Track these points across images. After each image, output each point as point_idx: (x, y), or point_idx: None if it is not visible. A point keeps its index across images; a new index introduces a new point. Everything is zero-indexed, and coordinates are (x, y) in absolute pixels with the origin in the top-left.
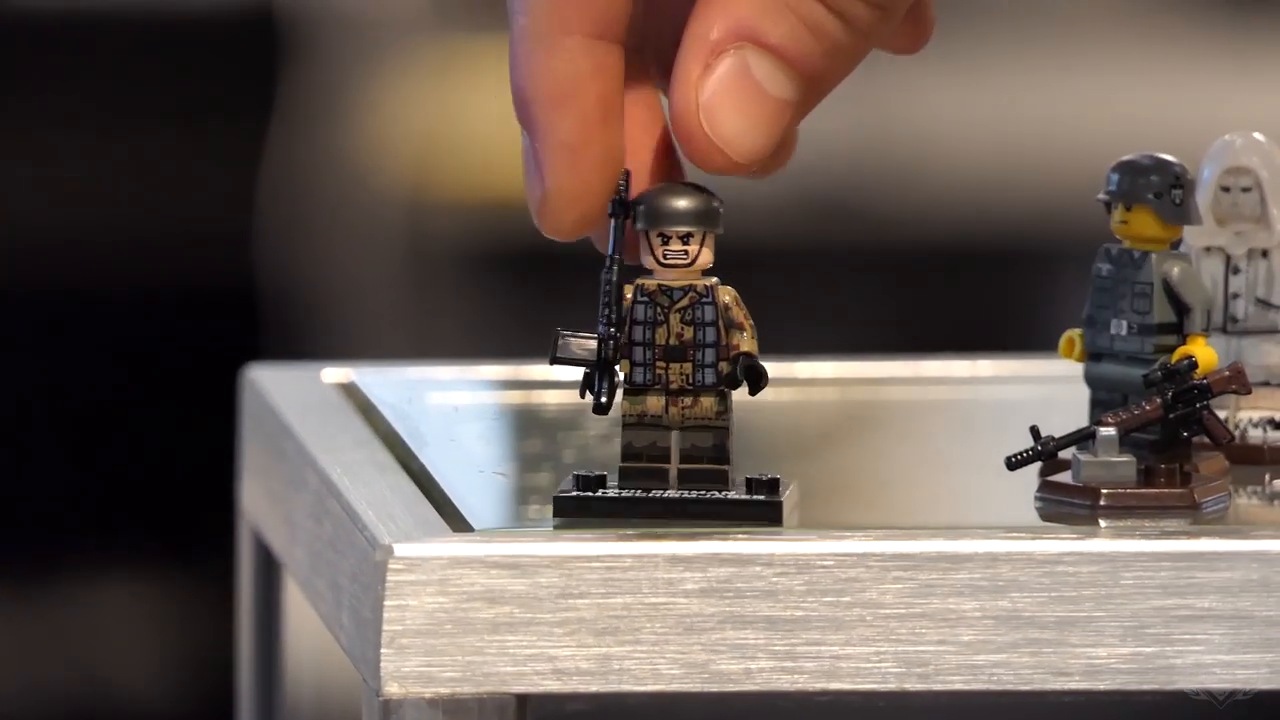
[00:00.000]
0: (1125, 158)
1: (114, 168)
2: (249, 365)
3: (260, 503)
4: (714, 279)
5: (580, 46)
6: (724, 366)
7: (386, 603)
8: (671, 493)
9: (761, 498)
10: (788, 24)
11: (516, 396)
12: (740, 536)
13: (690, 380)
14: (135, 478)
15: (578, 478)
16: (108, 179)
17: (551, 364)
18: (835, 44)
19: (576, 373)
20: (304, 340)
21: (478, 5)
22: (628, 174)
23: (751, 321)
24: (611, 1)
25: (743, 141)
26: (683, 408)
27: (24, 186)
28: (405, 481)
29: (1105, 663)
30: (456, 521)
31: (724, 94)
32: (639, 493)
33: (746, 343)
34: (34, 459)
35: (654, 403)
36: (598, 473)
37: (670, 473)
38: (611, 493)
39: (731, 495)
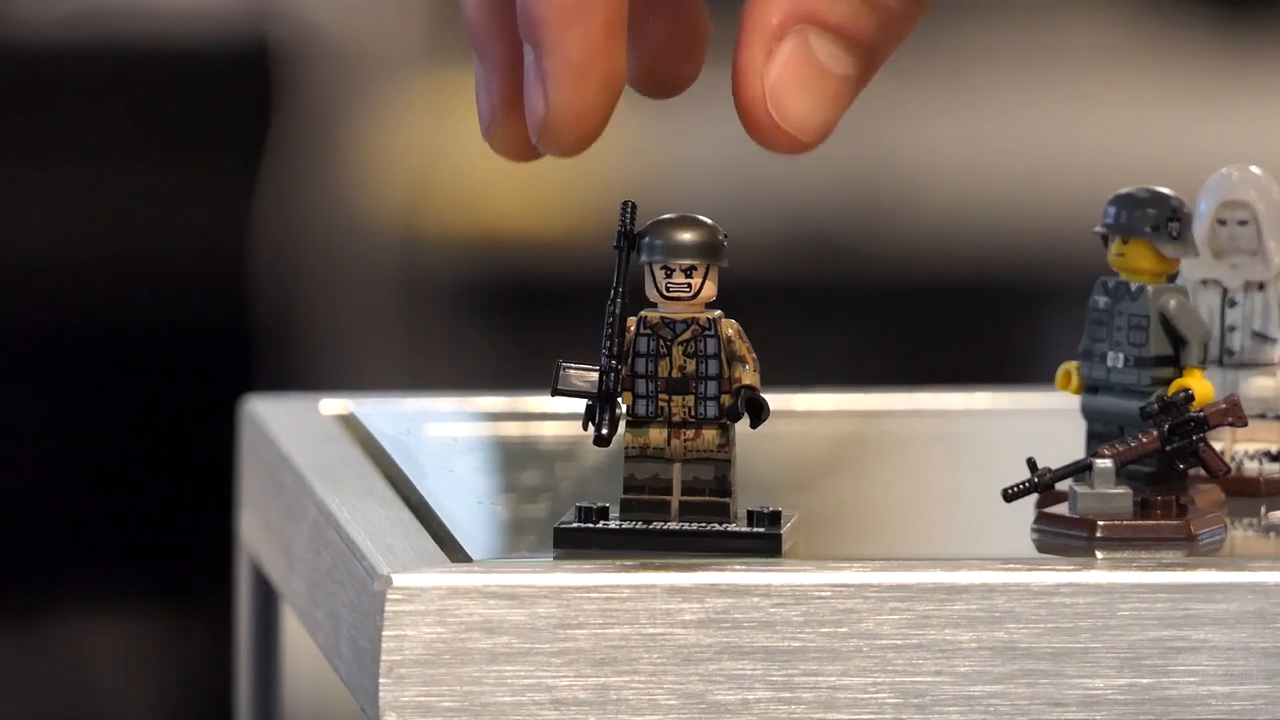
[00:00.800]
0: (1122, 191)
1: (107, 201)
2: (247, 397)
3: (259, 533)
4: (717, 312)
5: None
6: (726, 399)
7: (385, 633)
8: (673, 525)
9: (761, 530)
10: (846, 2)
11: (515, 428)
12: (738, 567)
13: (692, 413)
14: (131, 511)
15: (580, 509)
16: (101, 212)
17: (553, 395)
18: (891, 14)
19: (575, 404)
20: (297, 374)
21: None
22: (634, 206)
23: (754, 355)
24: None
25: (810, 122)
26: (685, 440)
27: (17, 220)
28: (404, 512)
29: (1102, 694)
30: (455, 552)
31: (789, 78)
32: (640, 525)
33: (749, 375)
34: (30, 493)
35: (656, 435)
36: (600, 504)
37: (672, 505)
38: (613, 524)
39: (732, 528)
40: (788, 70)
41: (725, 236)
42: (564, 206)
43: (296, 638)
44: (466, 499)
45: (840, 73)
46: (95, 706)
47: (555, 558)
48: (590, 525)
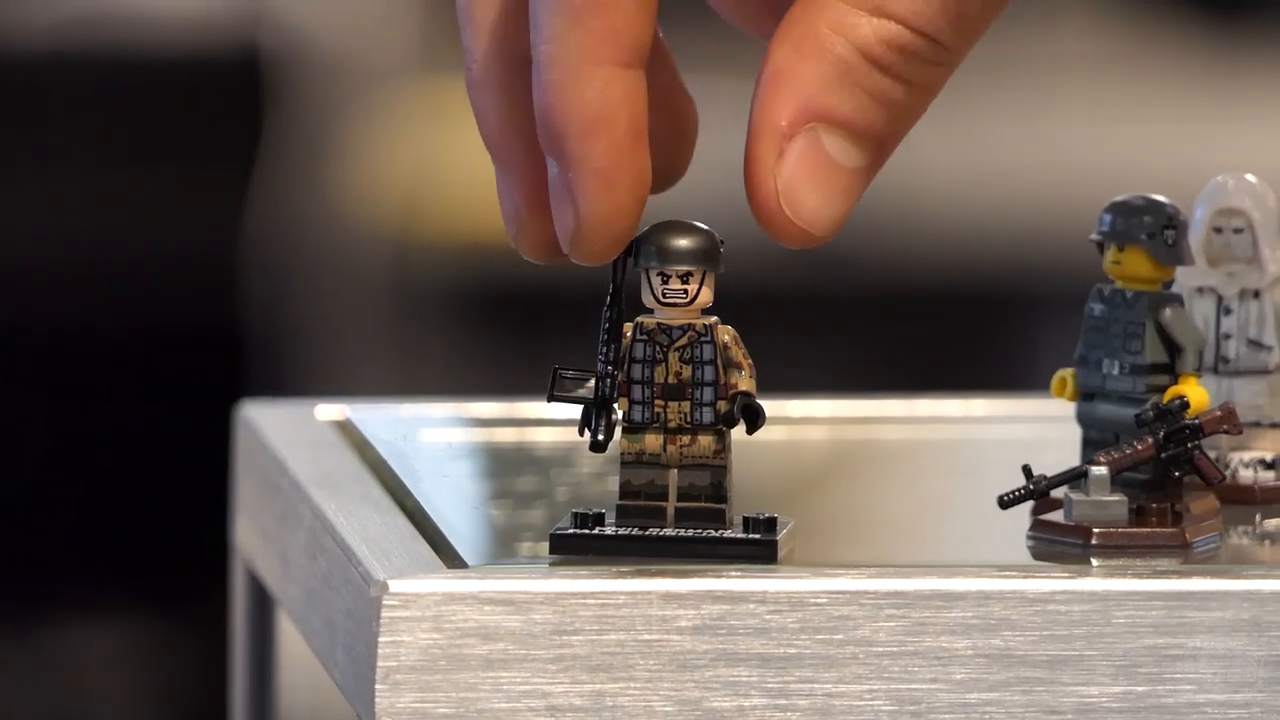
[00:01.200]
0: (1118, 198)
1: (100, 208)
2: (243, 403)
3: (254, 540)
4: (713, 318)
5: (611, 76)
6: (722, 405)
7: (381, 639)
8: (669, 531)
9: (757, 536)
10: (855, 98)
11: (510, 434)
12: (734, 574)
13: (688, 419)
14: (126, 517)
15: (575, 515)
16: (94, 219)
17: (549, 401)
18: (900, 107)
19: (571, 410)
20: (292, 380)
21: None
22: None
23: (750, 361)
24: (638, 31)
25: (823, 217)
26: (680, 446)
27: (10, 226)
28: (400, 518)
29: (1097, 701)
30: (451, 558)
31: (801, 175)
32: (636, 531)
33: (744, 382)
34: (25, 498)
35: (652, 441)
36: (596, 510)
37: (668, 511)
38: (609, 530)
39: (728, 534)
40: (800, 168)
41: (723, 243)
42: None
43: (292, 644)
44: (462, 505)
45: (851, 166)
46: (90, 712)
47: (551, 564)
48: (586, 531)
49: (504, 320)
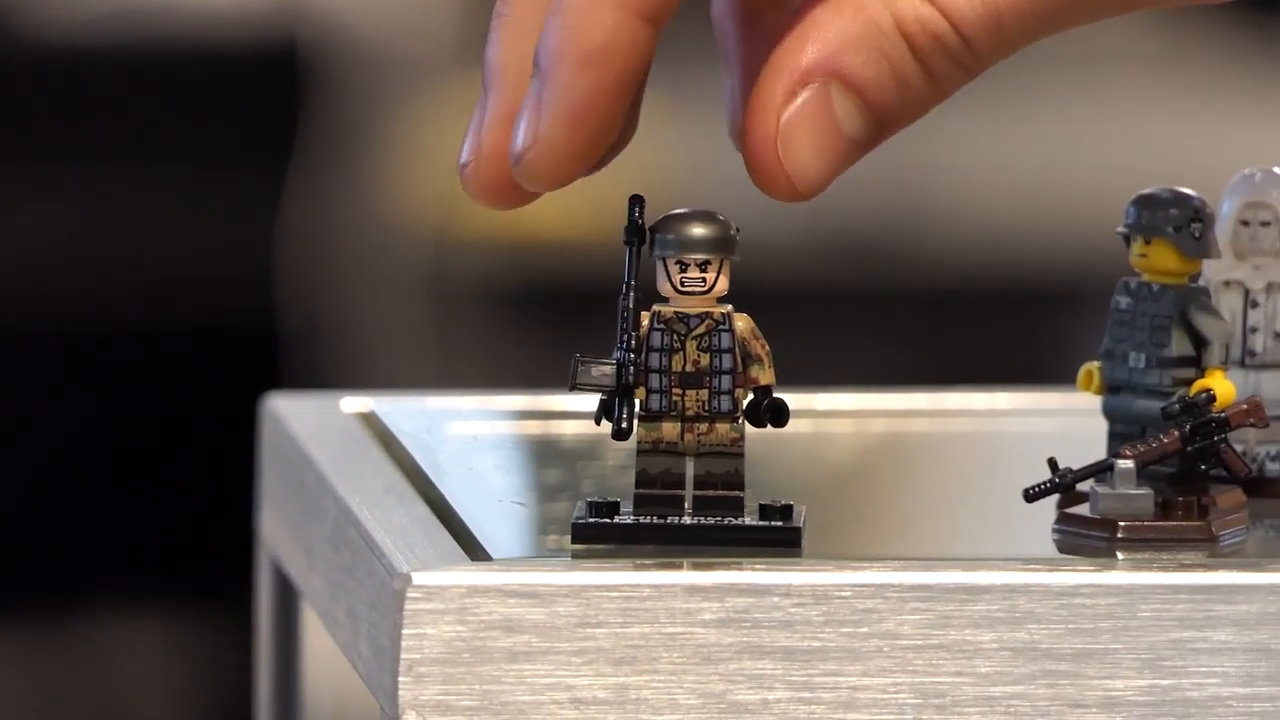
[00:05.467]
0: (1144, 191)
1: (137, 203)
2: (269, 395)
3: (279, 531)
4: (729, 306)
5: (626, 22)
6: (740, 394)
7: (404, 631)
8: (688, 519)
9: (780, 524)
10: (876, 66)
11: (535, 426)
12: (758, 567)
13: (706, 407)
14: (157, 512)
15: (591, 504)
16: (131, 214)
17: (571, 390)
18: (913, 93)
19: (596, 401)
20: (327, 376)
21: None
22: (642, 200)
23: (768, 349)
24: None
25: (810, 174)
26: (698, 434)
27: (49, 224)
28: (424, 510)
29: (1122, 695)
30: (475, 550)
31: (803, 124)
32: (656, 519)
33: (765, 375)
34: (55, 494)
35: (669, 429)
36: (611, 499)
37: (685, 499)
38: (628, 519)
39: (749, 522)
40: (803, 115)
41: (737, 231)
42: (594, 210)
43: (316, 636)
44: (486, 497)
45: (850, 134)
46: (117, 703)
47: (575, 556)
48: (608, 520)
49: (541, 316)
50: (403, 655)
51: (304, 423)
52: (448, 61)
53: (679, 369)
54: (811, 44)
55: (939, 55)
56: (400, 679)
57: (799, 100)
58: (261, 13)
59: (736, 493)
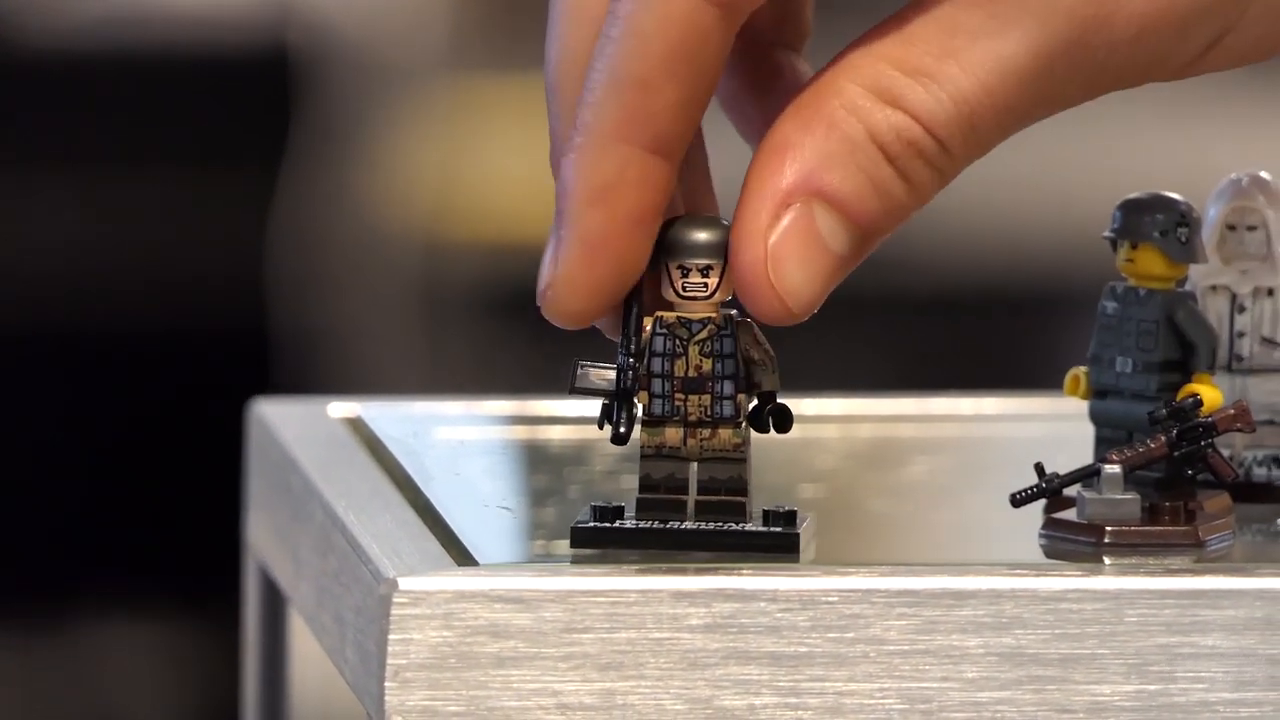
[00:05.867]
0: (1131, 196)
1: (127, 206)
2: (256, 400)
3: (266, 536)
4: (733, 311)
5: (633, 156)
6: (742, 399)
7: (391, 636)
8: (689, 524)
9: (779, 529)
10: (855, 181)
11: (523, 431)
12: (745, 571)
13: (708, 412)
14: (144, 517)
15: (595, 508)
16: (121, 217)
17: (570, 394)
18: (895, 203)
19: (584, 407)
20: (316, 381)
21: (493, 47)
22: None
23: (772, 354)
24: (675, 123)
25: (802, 294)
26: (701, 440)
27: (39, 227)
28: (410, 515)
29: (1109, 700)
30: (461, 556)
31: (790, 245)
32: (657, 524)
33: (769, 380)
34: (43, 497)
35: (672, 434)
36: (615, 504)
37: (688, 504)
38: (629, 524)
39: (749, 528)
40: (789, 237)
41: None
42: None
43: (303, 641)
44: (473, 503)
45: (837, 250)
46: (103, 707)
47: (562, 560)
48: (607, 524)
49: (530, 321)
50: (389, 661)
51: (291, 428)
52: (438, 66)
53: (681, 374)
54: (790, 165)
55: (915, 161)
56: (386, 684)
57: (784, 223)
58: (252, 17)
59: (739, 498)
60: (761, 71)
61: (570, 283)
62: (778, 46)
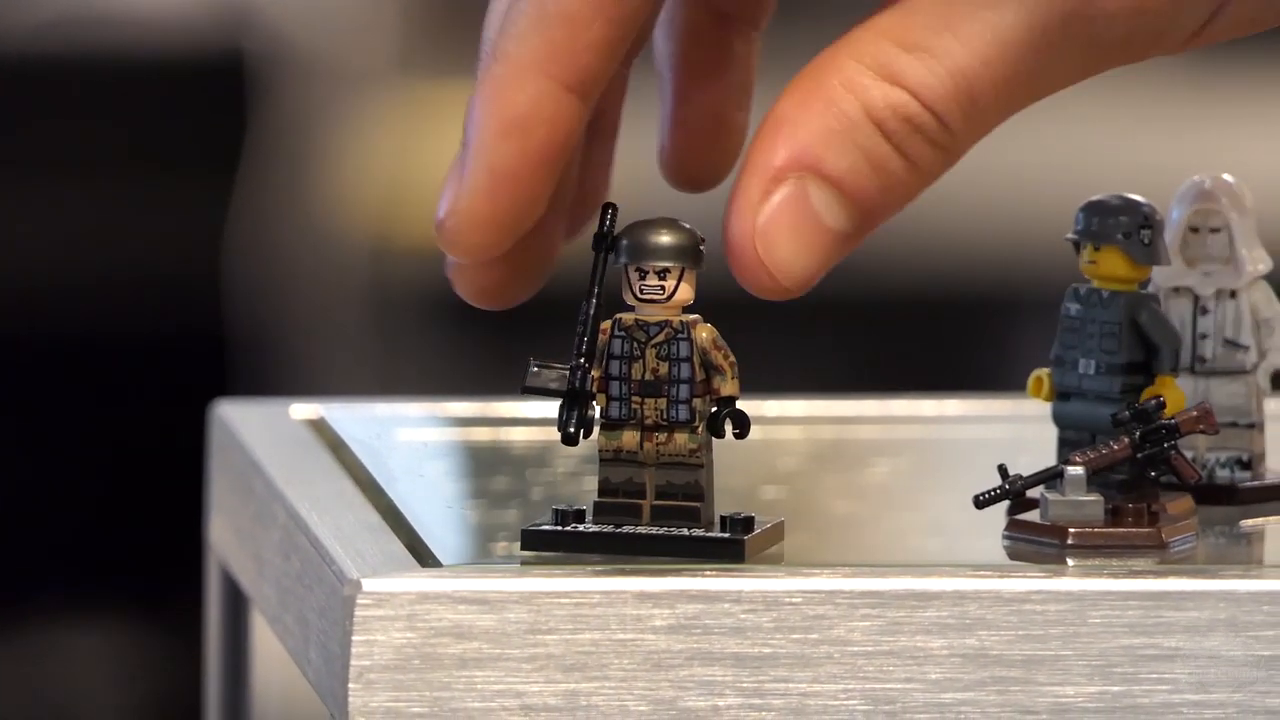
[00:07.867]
0: (1094, 198)
1: (81, 211)
2: (217, 401)
3: (229, 538)
4: (694, 315)
5: (550, 91)
6: (699, 404)
7: (354, 638)
8: (642, 529)
9: (725, 535)
10: (851, 157)
11: (485, 433)
12: (709, 573)
13: (664, 416)
14: (106, 519)
15: (556, 512)
16: (74, 222)
17: (522, 393)
18: (895, 181)
19: (547, 409)
20: (271, 382)
21: (443, 52)
22: (614, 208)
23: (732, 360)
24: (597, 61)
25: (794, 269)
26: (657, 443)
27: None
28: (374, 517)
29: (1072, 701)
30: (425, 557)
31: (781, 221)
32: (609, 528)
33: (728, 386)
34: (2, 498)
35: (629, 438)
36: (577, 508)
37: (644, 509)
38: (578, 528)
39: (699, 533)
40: (781, 213)
41: (703, 241)
42: None
43: (266, 643)
44: (436, 504)
45: (832, 226)
46: (65, 710)
47: (525, 562)
48: (557, 528)
49: (482, 323)
50: (353, 662)
51: (253, 429)
52: (391, 72)
53: (638, 377)
54: (783, 141)
55: (913, 137)
56: (350, 686)
57: (775, 198)
58: (206, 22)
59: (694, 504)
60: (704, 41)
61: (472, 214)
62: (735, 20)
